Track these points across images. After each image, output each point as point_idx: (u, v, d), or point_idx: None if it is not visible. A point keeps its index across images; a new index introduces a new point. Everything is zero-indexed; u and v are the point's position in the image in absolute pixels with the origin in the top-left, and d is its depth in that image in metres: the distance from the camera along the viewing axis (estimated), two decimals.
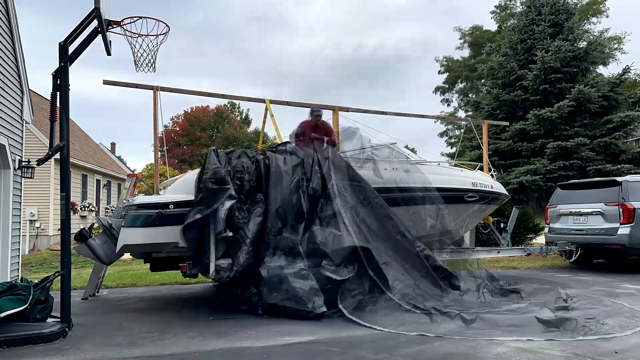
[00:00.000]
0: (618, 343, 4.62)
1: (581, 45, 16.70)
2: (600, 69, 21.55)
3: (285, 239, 6.02)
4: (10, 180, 7.83)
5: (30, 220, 17.38)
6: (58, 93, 5.23)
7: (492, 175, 9.46)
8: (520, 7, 20.61)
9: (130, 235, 6.43)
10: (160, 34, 5.64)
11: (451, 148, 41.43)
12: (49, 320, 5.31)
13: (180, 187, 6.73)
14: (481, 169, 9.52)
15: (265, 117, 8.16)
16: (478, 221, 9.42)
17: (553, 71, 15.92)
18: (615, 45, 36.86)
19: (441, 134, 46.22)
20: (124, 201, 6.88)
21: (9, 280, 7.32)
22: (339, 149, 7.68)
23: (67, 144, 5.26)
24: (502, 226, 9.80)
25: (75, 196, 19.28)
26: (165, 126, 46.95)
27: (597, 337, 4.75)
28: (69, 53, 5.24)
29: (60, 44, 5.21)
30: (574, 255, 9.69)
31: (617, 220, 9.61)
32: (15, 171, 8.06)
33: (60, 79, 5.21)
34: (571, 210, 10.48)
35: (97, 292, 7.82)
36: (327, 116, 8.47)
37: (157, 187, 7.30)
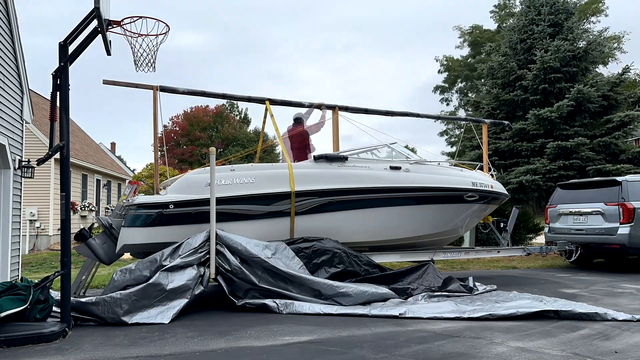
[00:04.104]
0: (618, 343, 4.63)
1: (581, 45, 16.66)
2: (600, 69, 21.50)
3: None
4: (10, 180, 7.84)
5: (30, 220, 17.39)
6: (58, 93, 5.24)
7: (492, 175, 9.46)
8: (520, 6, 20.54)
9: (130, 235, 6.46)
10: (160, 34, 5.65)
11: (451, 148, 41.48)
12: (49, 320, 5.31)
13: (180, 187, 6.75)
14: (481, 168, 9.52)
15: (265, 117, 8.18)
16: (478, 221, 9.43)
17: (553, 71, 15.90)
18: (615, 45, 36.87)
19: (441, 134, 46.31)
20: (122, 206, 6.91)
21: (9, 280, 7.32)
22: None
23: (67, 144, 5.26)
24: (502, 226, 9.80)
25: (75, 196, 19.28)
26: (165, 126, 46.96)
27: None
28: (69, 53, 5.24)
29: (60, 43, 5.21)
30: (573, 255, 9.70)
31: (617, 220, 9.62)
32: (15, 171, 8.06)
33: (60, 79, 5.21)
34: (571, 210, 10.49)
35: (83, 292, 6.98)
36: (328, 115, 8.49)
37: (157, 187, 7.31)
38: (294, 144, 8.64)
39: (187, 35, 74.92)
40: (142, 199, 6.63)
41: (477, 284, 7.47)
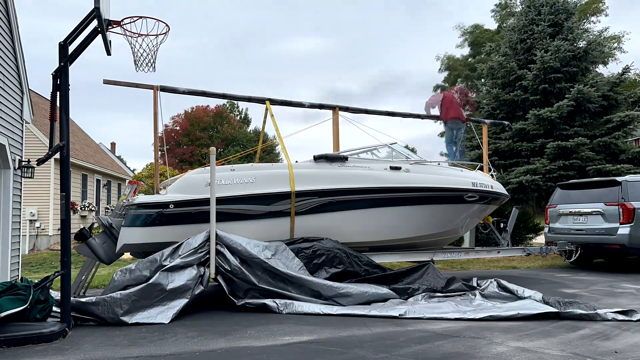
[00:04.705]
0: (618, 343, 4.63)
1: (581, 45, 16.65)
2: (600, 69, 21.47)
3: None
4: (10, 180, 7.84)
5: (30, 220, 17.39)
6: (58, 93, 5.24)
7: (492, 175, 9.46)
8: (521, 6, 20.52)
9: (130, 235, 6.46)
10: (160, 34, 5.65)
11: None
12: (49, 320, 5.31)
13: (180, 187, 6.76)
14: (481, 169, 9.52)
15: (265, 117, 8.18)
16: (478, 221, 9.43)
17: (553, 71, 15.90)
18: (615, 45, 36.88)
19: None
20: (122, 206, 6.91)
21: (9, 280, 7.32)
22: None
23: (67, 144, 5.26)
24: (502, 226, 9.80)
25: (75, 196, 19.29)
26: (166, 126, 46.99)
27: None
28: (69, 53, 5.24)
29: (60, 43, 5.21)
30: (573, 255, 9.70)
31: (616, 220, 9.62)
32: (15, 171, 8.06)
33: (60, 79, 5.21)
34: (571, 210, 10.49)
35: (83, 292, 7.01)
36: (327, 115, 8.49)
37: (157, 186, 7.31)
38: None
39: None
40: (142, 198, 6.63)
41: (520, 287, 6.93)
